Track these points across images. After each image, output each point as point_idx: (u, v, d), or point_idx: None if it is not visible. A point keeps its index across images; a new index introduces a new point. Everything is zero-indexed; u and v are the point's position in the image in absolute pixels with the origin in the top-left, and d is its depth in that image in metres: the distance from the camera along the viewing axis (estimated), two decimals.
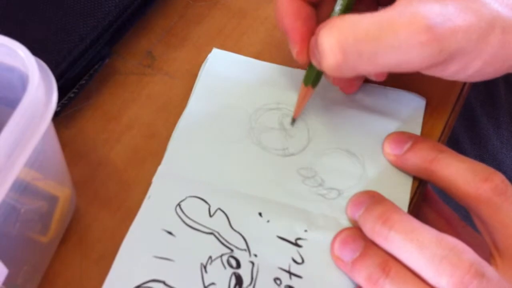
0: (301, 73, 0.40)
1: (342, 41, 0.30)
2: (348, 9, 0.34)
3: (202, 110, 0.39)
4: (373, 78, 0.37)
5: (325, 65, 0.31)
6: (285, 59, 0.41)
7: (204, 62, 0.41)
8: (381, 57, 0.30)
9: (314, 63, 0.34)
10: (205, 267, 0.33)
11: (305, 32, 0.35)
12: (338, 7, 0.34)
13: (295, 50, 0.36)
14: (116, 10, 0.40)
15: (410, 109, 0.39)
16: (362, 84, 0.39)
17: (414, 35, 0.29)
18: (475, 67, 0.31)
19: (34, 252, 0.32)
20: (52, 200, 0.32)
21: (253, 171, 0.36)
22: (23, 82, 0.27)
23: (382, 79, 0.37)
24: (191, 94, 0.39)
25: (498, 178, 0.32)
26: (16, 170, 0.25)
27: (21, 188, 0.27)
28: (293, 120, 0.38)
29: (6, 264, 0.27)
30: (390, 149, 0.36)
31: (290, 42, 0.36)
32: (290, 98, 0.39)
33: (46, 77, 0.27)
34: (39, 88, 0.26)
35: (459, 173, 0.33)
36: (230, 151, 0.37)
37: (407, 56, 0.30)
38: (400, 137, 0.36)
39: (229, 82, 0.40)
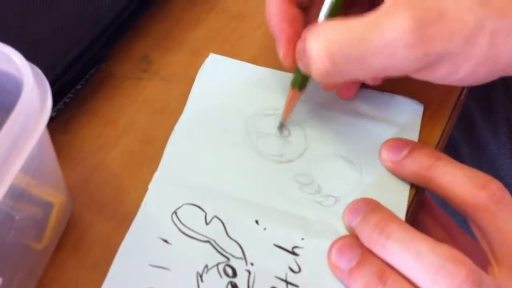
0: None
1: (329, 46, 0.30)
2: (334, 13, 0.33)
3: (198, 115, 0.38)
4: (369, 82, 0.37)
5: (313, 71, 0.31)
6: (283, 66, 0.40)
7: (201, 67, 0.40)
8: (368, 61, 0.30)
9: (302, 67, 0.34)
10: (201, 276, 0.33)
11: (291, 34, 0.35)
12: (324, 11, 0.34)
13: (281, 52, 0.36)
14: (112, 13, 0.39)
15: (408, 115, 0.39)
16: (360, 89, 0.39)
17: (399, 38, 0.29)
18: (465, 70, 0.31)
19: (29, 259, 0.32)
20: (47, 206, 0.31)
21: (249, 177, 0.36)
22: (17, 88, 0.27)
23: (378, 83, 0.37)
24: (188, 99, 0.39)
25: (495, 185, 0.32)
26: (11, 176, 0.25)
27: (15, 194, 0.27)
28: (282, 125, 0.38)
29: (1, 271, 0.27)
30: (387, 156, 0.36)
31: (276, 43, 0.36)
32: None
33: (40, 83, 0.27)
34: (34, 93, 0.26)
35: (457, 180, 0.33)
36: (227, 157, 0.37)
37: (393, 59, 0.30)
38: (398, 143, 0.36)
39: (226, 87, 0.40)
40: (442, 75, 0.31)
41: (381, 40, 0.29)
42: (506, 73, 0.32)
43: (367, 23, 0.30)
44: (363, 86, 0.39)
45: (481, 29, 0.30)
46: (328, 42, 0.30)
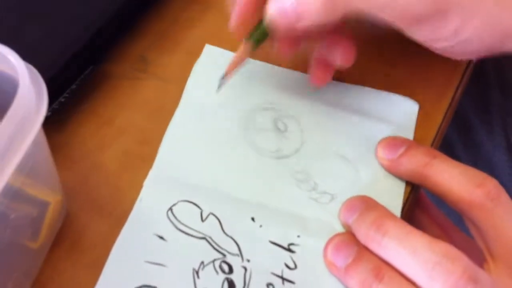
0: (295, 74, 0.40)
1: None
2: None
3: (193, 110, 0.38)
4: (338, 61, 0.36)
5: (306, 7, 0.29)
6: (279, 60, 0.40)
7: (198, 60, 0.40)
8: None
9: (284, 22, 0.32)
10: (197, 273, 0.33)
11: (251, 5, 0.33)
12: None
13: (232, 20, 0.34)
14: (109, 13, 0.39)
15: (403, 113, 0.39)
16: (354, 87, 0.39)
17: None
18: (473, 26, 0.30)
19: (25, 258, 0.32)
20: (43, 205, 0.31)
21: (245, 173, 0.36)
22: (13, 88, 0.27)
23: (348, 62, 0.36)
24: (183, 93, 0.39)
25: (491, 183, 0.32)
26: (6, 175, 0.25)
27: (10, 193, 0.27)
28: (221, 82, 0.36)
29: None
30: (384, 154, 0.36)
31: (232, 12, 0.34)
32: (284, 98, 0.39)
33: (36, 82, 0.27)
34: (29, 93, 0.26)
35: (453, 178, 0.33)
36: (223, 153, 0.37)
37: None
38: (394, 142, 0.36)
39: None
40: (449, 31, 0.31)
41: None
42: (504, 47, 0.32)
43: None
44: (346, 81, 0.38)
45: None
46: None
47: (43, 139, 0.30)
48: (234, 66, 0.36)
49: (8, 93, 0.27)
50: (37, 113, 0.27)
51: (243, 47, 0.35)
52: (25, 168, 0.27)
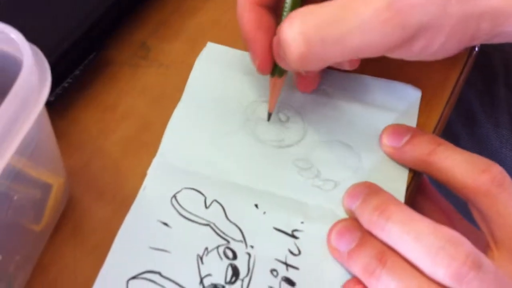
0: None
1: (304, 31, 0.30)
2: (296, 5, 0.33)
3: (197, 103, 0.38)
4: (347, 67, 0.36)
5: (290, 58, 0.31)
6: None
7: (199, 55, 0.40)
8: (345, 41, 0.30)
9: (280, 63, 0.34)
10: (201, 258, 0.33)
11: (266, 43, 0.34)
12: (286, 4, 0.34)
13: (256, 62, 0.35)
14: (112, 0, 0.39)
15: (406, 100, 0.39)
16: (356, 76, 0.39)
17: (375, 14, 0.29)
18: (439, 42, 0.31)
19: (27, 241, 0.32)
20: (45, 188, 0.31)
21: (249, 162, 0.36)
22: (17, 68, 0.26)
23: (355, 67, 0.37)
24: (186, 87, 0.39)
25: (496, 169, 0.32)
26: (7, 156, 0.25)
27: (12, 174, 0.27)
28: (269, 115, 0.38)
29: None
30: (388, 141, 0.36)
31: (251, 54, 0.35)
32: (285, 89, 0.39)
33: (40, 63, 0.27)
34: (33, 73, 0.26)
35: (457, 164, 0.33)
36: (226, 143, 0.37)
37: (371, 36, 0.29)
38: (399, 129, 0.36)
39: (224, 74, 0.39)
40: (418, 50, 0.31)
41: (357, 20, 0.29)
42: (471, 43, 0.32)
43: (341, 4, 0.30)
44: (351, 71, 0.38)
45: None
46: (303, 27, 0.30)
47: (46, 121, 0.30)
48: (273, 102, 0.37)
49: (11, 73, 0.27)
50: (40, 93, 0.26)
51: (273, 84, 0.36)
52: (28, 150, 0.27)
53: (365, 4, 0.29)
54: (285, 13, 0.34)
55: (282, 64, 0.33)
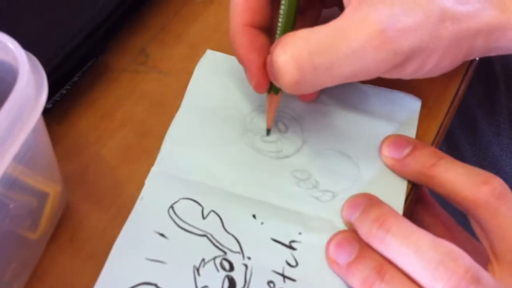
0: None
1: (296, 57, 0.30)
2: (289, 25, 0.33)
3: (196, 111, 0.38)
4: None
5: (282, 83, 0.31)
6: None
7: (198, 63, 0.40)
8: (338, 68, 0.30)
9: (275, 83, 0.33)
10: (198, 270, 0.32)
11: (261, 63, 0.34)
12: (279, 25, 0.33)
13: (252, 82, 0.35)
14: (111, 6, 0.39)
15: (405, 110, 0.38)
16: (355, 85, 0.39)
17: (366, 41, 0.29)
18: (432, 63, 0.31)
19: (23, 249, 0.31)
20: (42, 196, 0.31)
21: (247, 173, 0.36)
22: (13, 76, 0.26)
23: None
24: (185, 95, 0.39)
25: (497, 181, 0.32)
26: (4, 164, 0.24)
27: (9, 183, 0.27)
28: (268, 131, 0.37)
29: None
30: (388, 153, 0.36)
31: (246, 73, 0.35)
32: (284, 99, 0.38)
33: (36, 72, 0.27)
34: (29, 82, 0.26)
35: (458, 177, 0.33)
36: (224, 153, 0.36)
37: (363, 63, 0.29)
38: (399, 141, 0.36)
39: (223, 83, 0.39)
40: (411, 71, 0.31)
41: (349, 47, 0.29)
42: (466, 59, 0.32)
43: (333, 31, 0.30)
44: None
45: (443, 20, 0.30)
46: (295, 53, 0.30)
47: (43, 130, 0.29)
48: (271, 119, 0.37)
49: (8, 82, 0.27)
50: (36, 102, 0.26)
51: (269, 101, 0.36)
52: (24, 158, 0.27)
53: (357, 31, 0.29)
54: (277, 36, 0.34)
55: (276, 84, 0.33)
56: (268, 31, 0.35)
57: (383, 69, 0.30)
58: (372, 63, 0.29)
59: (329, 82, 0.31)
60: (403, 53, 0.29)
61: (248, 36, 0.34)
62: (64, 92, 0.37)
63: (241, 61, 0.35)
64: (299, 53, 0.30)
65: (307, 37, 0.30)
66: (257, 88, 0.35)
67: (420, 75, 0.32)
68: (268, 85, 0.35)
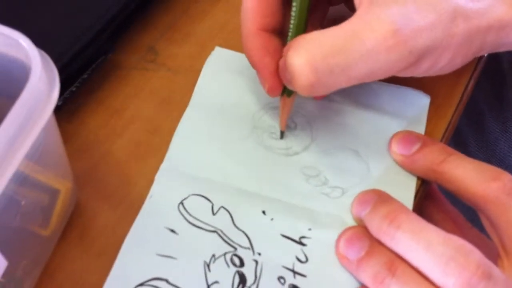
0: None
1: (311, 60, 0.30)
2: (301, 27, 0.33)
3: (205, 108, 0.38)
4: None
5: (298, 87, 0.31)
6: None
7: (207, 60, 0.40)
8: (353, 69, 0.30)
9: (288, 86, 0.33)
10: (208, 266, 0.32)
11: (274, 67, 0.34)
12: (291, 27, 0.33)
13: (266, 86, 0.35)
14: (120, 4, 0.39)
15: (414, 106, 0.38)
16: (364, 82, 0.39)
17: (380, 42, 0.29)
18: (445, 60, 0.31)
19: (35, 245, 0.32)
20: (53, 193, 0.31)
21: (256, 169, 0.36)
22: (25, 74, 0.26)
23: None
24: (194, 93, 0.39)
25: (507, 177, 0.32)
26: (16, 162, 0.24)
27: (20, 180, 0.27)
28: (282, 133, 0.37)
29: (6, 256, 0.26)
30: (398, 149, 0.36)
31: (259, 78, 0.35)
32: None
33: (48, 69, 0.27)
34: (41, 79, 0.26)
35: (467, 173, 0.33)
36: (233, 150, 0.37)
37: (378, 63, 0.29)
38: (409, 137, 0.36)
39: (231, 80, 0.39)
40: (424, 69, 0.31)
41: (364, 48, 0.29)
42: (476, 56, 0.32)
43: (346, 32, 0.30)
44: None
45: (455, 18, 0.30)
46: (309, 56, 0.30)
47: (55, 127, 0.29)
48: (284, 121, 0.37)
49: (20, 79, 0.27)
50: (48, 99, 0.26)
51: (283, 103, 0.36)
52: (35, 155, 0.27)
53: (371, 31, 0.29)
54: (289, 38, 0.34)
55: (289, 87, 0.33)
56: (280, 34, 0.35)
57: (397, 69, 0.30)
58: (387, 63, 0.29)
59: (344, 84, 0.31)
60: (417, 52, 0.30)
61: (261, 40, 0.34)
62: (74, 89, 0.38)
63: (253, 65, 0.35)
64: (313, 55, 0.30)
65: (320, 39, 0.30)
66: (270, 92, 0.35)
67: (432, 72, 0.32)
68: (281, 89, 0.35)
